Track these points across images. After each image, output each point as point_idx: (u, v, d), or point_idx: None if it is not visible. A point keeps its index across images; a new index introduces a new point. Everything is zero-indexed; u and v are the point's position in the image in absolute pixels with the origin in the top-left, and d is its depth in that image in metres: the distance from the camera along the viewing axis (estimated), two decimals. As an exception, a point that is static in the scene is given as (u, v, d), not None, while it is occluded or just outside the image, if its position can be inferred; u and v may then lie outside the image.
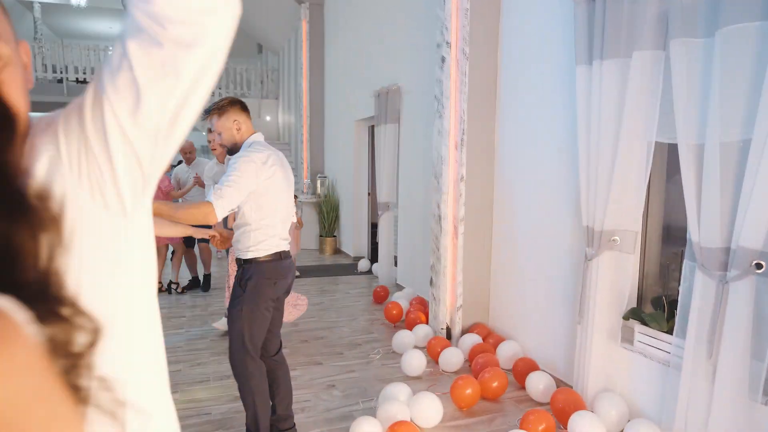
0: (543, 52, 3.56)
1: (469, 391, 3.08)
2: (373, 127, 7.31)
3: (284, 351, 4.02)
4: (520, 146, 3.84)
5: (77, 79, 11.68)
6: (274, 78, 13.94)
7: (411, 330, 4.24)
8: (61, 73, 11.43)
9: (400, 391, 3.01)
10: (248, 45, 16.88)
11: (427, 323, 4.38)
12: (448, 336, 4.15)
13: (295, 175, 11.07)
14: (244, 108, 2.44)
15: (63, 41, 12.65)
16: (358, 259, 7.81)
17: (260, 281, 2.40)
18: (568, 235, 3.35)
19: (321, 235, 8.56)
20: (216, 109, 2.37)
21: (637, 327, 2.88)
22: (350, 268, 7.13)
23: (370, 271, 6.95)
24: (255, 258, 2.41)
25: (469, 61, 3.95)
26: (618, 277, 2.89)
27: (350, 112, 7.90)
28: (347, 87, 8.02)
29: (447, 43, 3.99)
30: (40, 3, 16.31)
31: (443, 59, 4.05)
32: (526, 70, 3.75)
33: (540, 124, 3.62)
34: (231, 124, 2.39)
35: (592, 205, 2.92)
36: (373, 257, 7.35)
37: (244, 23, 14.23)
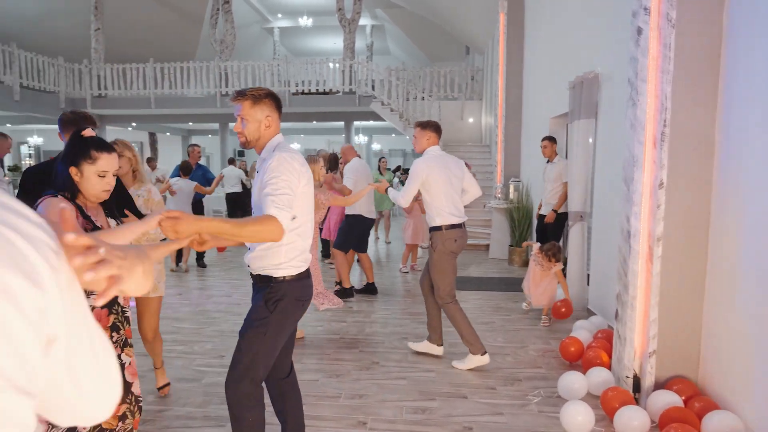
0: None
1: (643, 477, 2.24)
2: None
3: (431, 374, 3.62)
4: (754, 141, 2.73)
5: (296, 91, 13.01)
6: (479, 78, 13.54)
7: (586, 372, 3.40)
8: (286, 86, 12.85)
9: (542, 458, 2.33)
10: (456, 48, 16.83)
11: (608, 367, 3.48)
12: (635, 389, 3.21)
13: (488, 179, 10.51)
14: (279, 106, 2.18)
15: (286, 57, 14.25)
16: (550, 274, 6.94)
17: (291, 303, 2.09)
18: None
19: (511, 245, 7.85)
20: (252, 94, 2.09)
21: None
22: None
23: (559, 290, 6.04)
24: (286, 276, 2.10)
25: (676, 29, 2.96)
26: None
27: (545, 109, 7.05)
28: (544, 80, 7.19)
29: (645, 9, 3.06)
30: (278, 28, 18.77)
31: (639, 31, 3.13)
32: None
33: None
34: (262, 117, 2.12)
35: None
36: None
37: (451, 27, 14.17)
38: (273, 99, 2.15)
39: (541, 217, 6.10)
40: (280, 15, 18.23)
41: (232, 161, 11.62)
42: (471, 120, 13.51)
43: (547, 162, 6.09)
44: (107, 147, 1.89)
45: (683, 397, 2.98)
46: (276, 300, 2.08)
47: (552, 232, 5.91)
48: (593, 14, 5.15)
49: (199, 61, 13.09)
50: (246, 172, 11.32)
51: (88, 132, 1.88)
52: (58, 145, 2.84)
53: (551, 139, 6.01)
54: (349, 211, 5.74)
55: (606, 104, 4.78)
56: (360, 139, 18.65)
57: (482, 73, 13.24)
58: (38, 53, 12.24)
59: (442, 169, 3.73)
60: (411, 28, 16.91)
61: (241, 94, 2.09)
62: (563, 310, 4.78)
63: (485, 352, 3.71)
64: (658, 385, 3.16)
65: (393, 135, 20.13)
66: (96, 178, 1.86)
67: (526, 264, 7.73)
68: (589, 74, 4.95)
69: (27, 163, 20.60)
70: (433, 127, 3.84)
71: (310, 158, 4.54)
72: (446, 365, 3.81)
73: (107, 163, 1.87)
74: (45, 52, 12.86)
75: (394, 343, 4.24)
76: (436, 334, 3.95)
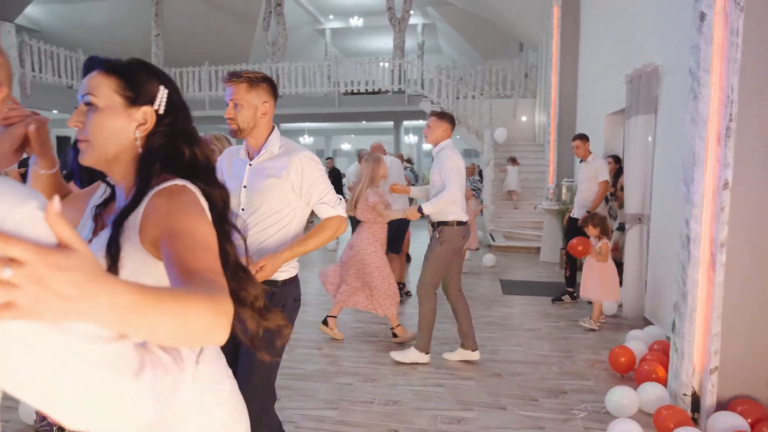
0: None
1: None
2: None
3: (469, 383, 3.46)
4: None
5: (345, 91, 13.05)
6: (532, 75, 13.12)
7: (638, 387, 3.15)
8: (336, 86, 12.92)
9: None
10: (509, 44, 16.42)
11: (664, 383, 3.21)
12: (693, 408, 2.93)
13: (540, 180, 10.14)
14: (276, 94, 1.99)
15: (336, 58, 14.31)
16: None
17: (295, 307, 2.04)
18: None
19: (562, 248, 7.51)
20: (249, 77, 1.88)
21: None
22: None
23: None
24: (291, 278, 2.03)
25: (745, 12, 2.68)
26: None
27: (601, 105, 6.70)
28: (599, 75, 6.84)
29: (709, -9, 2.79)
30: (330, 29, 18.95)
31: (702, 16, 2.85)
32: None
33: None
34: (259, 104, 1.91)
35: None
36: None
37: (503, 22, 13.82)
38: (270, 84, 1.96)
39: (571, 221, 5.61)
40: (331, 16, 18.40)
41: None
42: (524, 118, 13.11)
43: (580, 162, 5.69)
44: None
45: (749, 420, 2.69)
46: (282, 305, 1.97)
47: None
48: (653, 2, 4.82)
49: (251, 63, 13.38)
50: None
51: None
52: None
53: (583, 138, 5.57)
54: None
55: (667, 99, 4.45)
56: (410, 139, 18.53)
57: (536, 69, 12.81)
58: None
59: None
60: (462, 25, 16.64)
61: (235, 76, 1.89)
62: (580, 248, 4.57)
63: (428, 353, 3.78)
64: (720, 406, 2.88)
65: (444, 134, 19.89)
66: None
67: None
68: (648, 67, 4.63)
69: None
70: (449, 118, 3.71)
71: (372, 157, 4.44)
72: (487, 373, 3.64)
73: None
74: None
75: (433, 348, 4.10)
76: (468, 339, 3.80)
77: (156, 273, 0.97)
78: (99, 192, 1.18)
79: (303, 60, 13.41)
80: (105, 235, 0.99)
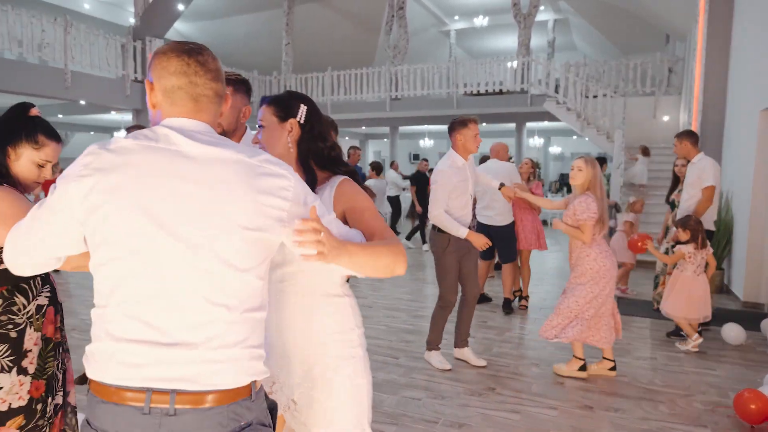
0: None
1: None
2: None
3: (552, 413, 3.00)
4: None
5: (465, 92, 12.69)
6: (678, 69, 11.64)
7: (770, 446, 2.50)
8: (455, 87, 12.62)
9: None
10: (654, 37, 14.83)
11: (807, 444, 2.51)
12: None
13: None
14: (250, 96, 2.02)
15: (455, 59, 13.98)
16: (752, 305, 5.54)
17: None
18: None
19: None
20: (232, 79, 1.87)
21: None
22: (738, 318, 4.75)
23: None
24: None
25: None
26: None
27: (756, 99, 5.65)
28: (755, 65, 5.78)
29: None
30: (455, 30, 18.68)
31: None
32: None
33: None
34: (242, 106, 1.93)
35: None
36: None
37: (646, 12, 12.49)
38: (248, 87, 1.97)
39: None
40: (456, 17, 18.12)
41: (392, 164, 11.91)
42: (666, 118, 11.68)
43: (688, 163, 4.74)
44: (56, 135, 1.68)
45: None
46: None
47: None
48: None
49: (371, 67, 13.62)
50: (408, 176, 11.37)
51: (35, 111, 1.67)
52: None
53: (689, 135, 4.65)
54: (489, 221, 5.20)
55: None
56: (535, 142, 17.52)
57: (682, 63, 11.35)
58: (244, 69, 14.02)
59: None
60: (599, 18, 15.34)
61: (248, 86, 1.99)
62: (639, 244, 4.43)
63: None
64: None
65: (574, 137, 18.58)
66: (34, 166, 1.63)
67: (720, 291, 6.31)
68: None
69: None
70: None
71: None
72: (576, 403, 3.16)
73: (53, 152, 1.66)
74: (249, 67, 14.67)
75: (520, 369, 3.70)
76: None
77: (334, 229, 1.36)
78: None
79: (427, 63, 13.31)
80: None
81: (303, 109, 1.52)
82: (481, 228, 5.07)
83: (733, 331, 4.21)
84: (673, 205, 5.03)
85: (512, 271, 5.24)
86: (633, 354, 4.02)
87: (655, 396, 3.28)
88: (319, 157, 1.52)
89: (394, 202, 10.38)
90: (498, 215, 5.12)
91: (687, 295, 4.05)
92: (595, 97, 11.03)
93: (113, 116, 15.24)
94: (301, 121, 1.52)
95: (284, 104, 1.53)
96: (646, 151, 9.41)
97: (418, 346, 4.13)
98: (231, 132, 1.89)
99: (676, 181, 5.09)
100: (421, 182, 9.25)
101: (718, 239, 6.32)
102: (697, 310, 4.04)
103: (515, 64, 12.34)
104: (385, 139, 21.76)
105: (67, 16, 9.75)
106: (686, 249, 4.08)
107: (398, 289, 6.15)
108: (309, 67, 14.42)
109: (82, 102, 10.93)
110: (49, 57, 9.43)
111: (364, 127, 18.30)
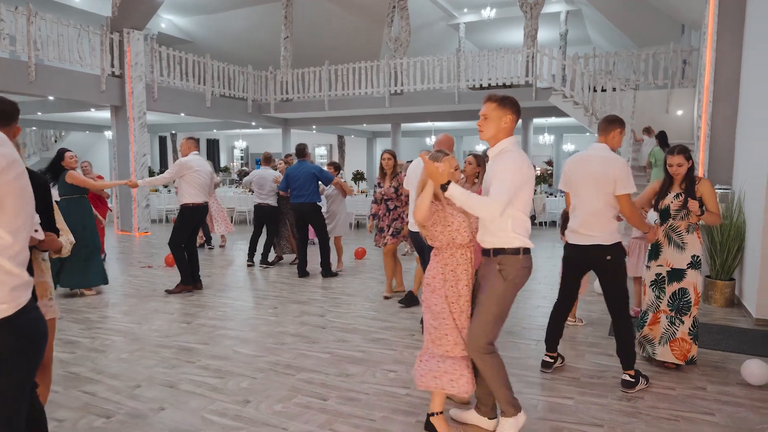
0: None
1: None
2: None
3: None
4: None
5: (473, 86, 12.12)
6: (693, 61, 10.91)
7: None
8: (457, 81, 12.04)
9: None
10: (669, 27, 14.05)
11: None
12: None
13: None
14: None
15: (457, 51, 13.38)
16: (766, 323, 4.87)
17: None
18: None
19: (709, 276, 5.84)
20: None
21: None
22: (752, 339, 4.20)
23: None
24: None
25: None
26: None
27: (769, 89, 5.02)
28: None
29: None
30: (464, 23, 18.05)
31: None
32: None
33: None
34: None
35: None
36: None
37: (660, 1, 11.74)
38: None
39: None
40: (465, 9, 17.51)
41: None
42: (680, 112, 10.97)
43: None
44: None
45: None
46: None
47: None
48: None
49: (369, 61, 13.11)
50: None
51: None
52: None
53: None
54: None
55: None
56: (545, 139, 16.81)
57: (697, 53, 10.62)
58: (239, 64, 13.64)
59: None
60: (613, 9, 14.61)
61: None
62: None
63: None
64: None
65: (588, 134, 17.82)
66: None
67: (729, 305, 5.67)
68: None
69: (237, 164, 23.53)
70: (516, 107, 2.65)
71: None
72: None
73: None
74: (247, 62, 14.28)
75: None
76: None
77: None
78: None
79: (426, 56, 12.77)
80: None
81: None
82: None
83: (757, 369, 3.32)
84: (663, 215, 3.76)
85: None
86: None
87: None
88: None
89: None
90: None
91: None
92: (604, 90, 10.39)
93: (93, 113, 14.02)
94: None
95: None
96: (650, 131, 9.02)
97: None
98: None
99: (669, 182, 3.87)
100: None
101: (728, 245, 5.70)
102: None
103: (521, 55, 11.72)
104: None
105: (31, 5, 8.96)
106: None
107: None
108: (312, 61, 14.01)
109: (51, 98, 10.13)
110: (6, 49, 8.53)
111: (365, 125, 17.80)
